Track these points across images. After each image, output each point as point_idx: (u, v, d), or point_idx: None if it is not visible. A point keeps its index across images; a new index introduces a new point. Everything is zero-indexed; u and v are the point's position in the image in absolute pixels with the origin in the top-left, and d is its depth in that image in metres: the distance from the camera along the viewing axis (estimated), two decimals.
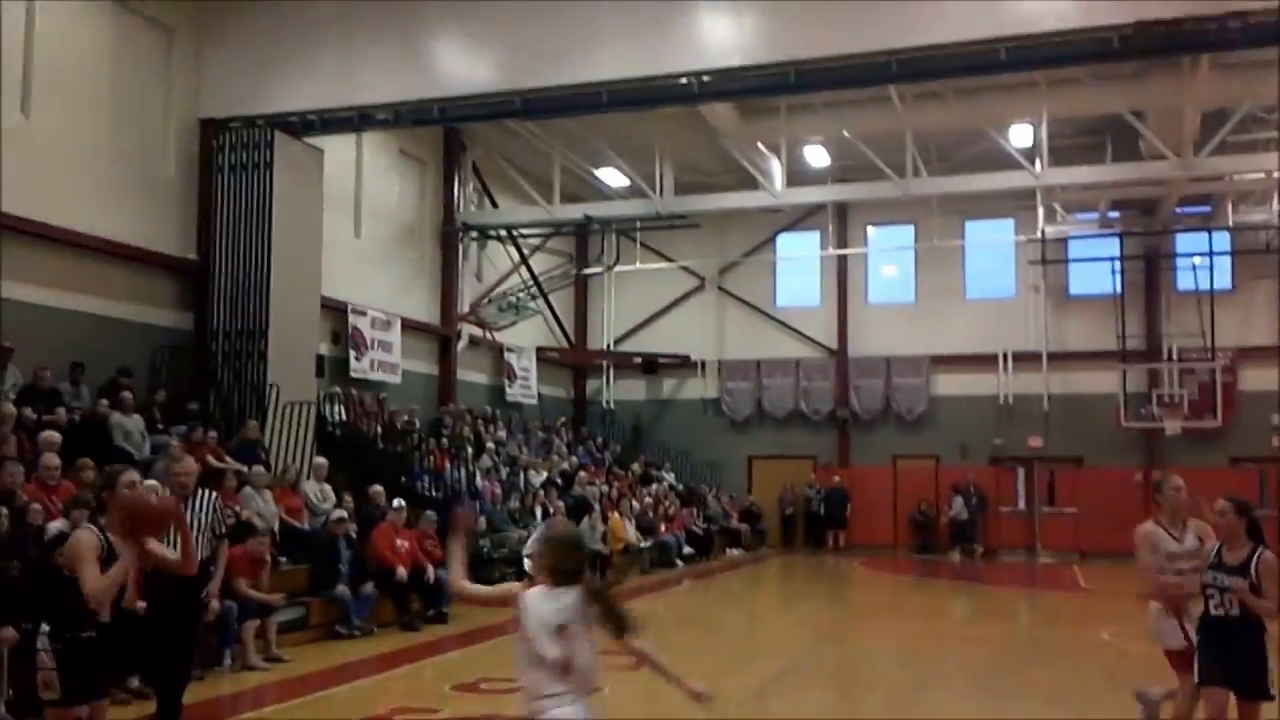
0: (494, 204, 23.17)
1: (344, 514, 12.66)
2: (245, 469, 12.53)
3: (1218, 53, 15.04)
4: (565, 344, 27.10)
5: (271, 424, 14.49)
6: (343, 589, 11.88)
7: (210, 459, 12.06)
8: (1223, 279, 23.70)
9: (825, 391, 26.79)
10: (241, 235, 15.10)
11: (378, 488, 14.14)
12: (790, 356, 27.06)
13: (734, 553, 23.99)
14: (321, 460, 14.37)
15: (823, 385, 26.85)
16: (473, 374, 22.91)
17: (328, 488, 13.89)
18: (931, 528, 25.07)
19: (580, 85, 14.21)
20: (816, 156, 22.08)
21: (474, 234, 22.30)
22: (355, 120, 15.48)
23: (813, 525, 25.95)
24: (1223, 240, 23.07)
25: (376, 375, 19.25)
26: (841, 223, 26.33)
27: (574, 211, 22.11)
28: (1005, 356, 25.26)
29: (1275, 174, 19.68)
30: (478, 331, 22.25)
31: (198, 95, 15.18)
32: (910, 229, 26.12)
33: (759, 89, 15.29)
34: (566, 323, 27.38)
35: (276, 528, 12.14)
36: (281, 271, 15.06)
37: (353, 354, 18.68)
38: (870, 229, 26.93)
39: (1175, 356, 23.40)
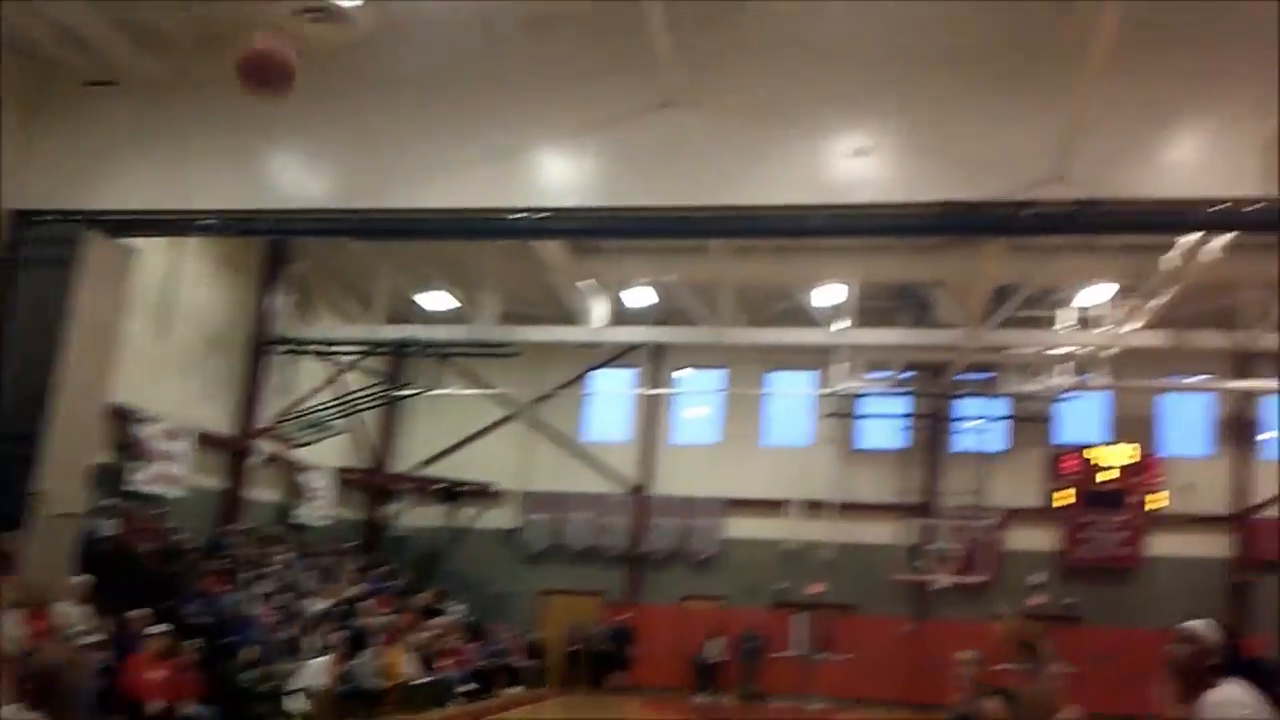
0: (313, 319, 22.46)
1: (94, 638, 11.53)
2: None
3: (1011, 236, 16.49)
4: (368, 465, 26.22)
5: (32, 537, 13.17)
6: None
7: None
8: (998, 442, 25.57)
9: (623, 528, 26.89)
10: (32, 332, 13.98)
11: (140, 612, 13.05)
12: (593, 491, 27.11)
13: (513, 690, 23.25)
14: (82, 579, 13.13)
15: (621, 521, 26.95)
16: (265, 491, 21.78)
17: (87, 609, 12.68)
18: (715, 670, 25.19)
19: (416, 211, 14.13)
20: (639, 297, 22.62)
21: (288, 347, 21.49)
22: (178, 224, 14.81)
23: (596, 664, 25.61)
24: (1001, 406, 24.90)
25: (158, 488, 17.99)
26: (656, 362, 26.97)
27: (394, 331, 21.69)
28: (795, 503, 26.08)
29: (1050, 351, 21.56)
30: (275, 448, 21.26)
31: (15, 184, 14.18)
32: (719, 374, 26.98)
33: (593, 230, 15.66)
34: (372, 444, 26.56)
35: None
36: (69, 374, 13.96)
37: (136, 465, 17.44)
38: (683, 371, 27.61)
39: (950, 513, 24.78)
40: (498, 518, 27.23)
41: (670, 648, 25.51)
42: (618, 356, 26.91)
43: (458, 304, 21.92)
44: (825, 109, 14.58)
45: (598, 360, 26.92)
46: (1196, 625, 4.66)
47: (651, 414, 27.26)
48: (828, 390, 24.51)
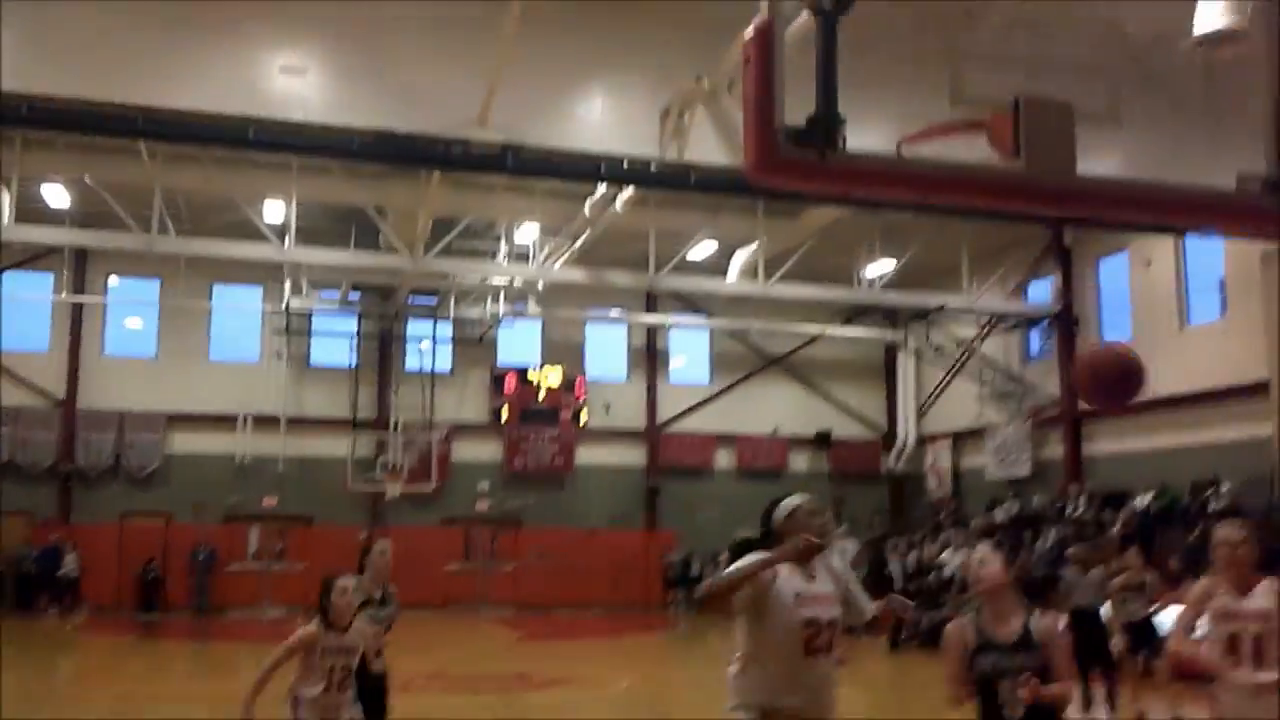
0: None
1: None
2: None
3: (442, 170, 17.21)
4: None
5: None
6: None
7: None
8: (444, 362, 26.79)
9: (48, 443, 24.63)
10: None
11: None
12: (9, 404, 24.41)
13: None
14: None
15: (46, 436, 24.65)
16: None
17: None
18: (157, 587, 24.25)
19: None
20: (55, 196, 20.51)
21: None
22: None
23: (25, 586, 23.54)
24: (446, 329, 26.07)
25: None
26: (80, 268, 24.65)
27: None
28: (245, 419, 25.54)
29: (488, 280, 22.89)
30: None
31: None
32: (156, 284, 25.33)
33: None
34: None
35: None
36: None
37: None
38: (113, 278, 25.59)
39: (400, 427, 25.65)
40: None
41: (112, 566, 24.03)
42: (32, 259, 24.17)
43: None
44: (258, 21, 14.17)
45: (8, 261, 24.04)
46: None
47: (78, 323, 24.98)
48: (276, 308, 24.07)
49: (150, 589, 24.37)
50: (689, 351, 29.24)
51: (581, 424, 27.60)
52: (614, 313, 25.75)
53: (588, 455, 27.84)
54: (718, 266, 23.20)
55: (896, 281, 23.13)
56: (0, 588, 23.61)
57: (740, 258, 21.97)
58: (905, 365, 27.59)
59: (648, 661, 17.92)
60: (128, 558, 24.45)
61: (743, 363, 29.02)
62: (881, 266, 22.66)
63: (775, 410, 28.92)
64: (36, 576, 23.69)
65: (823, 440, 28.95)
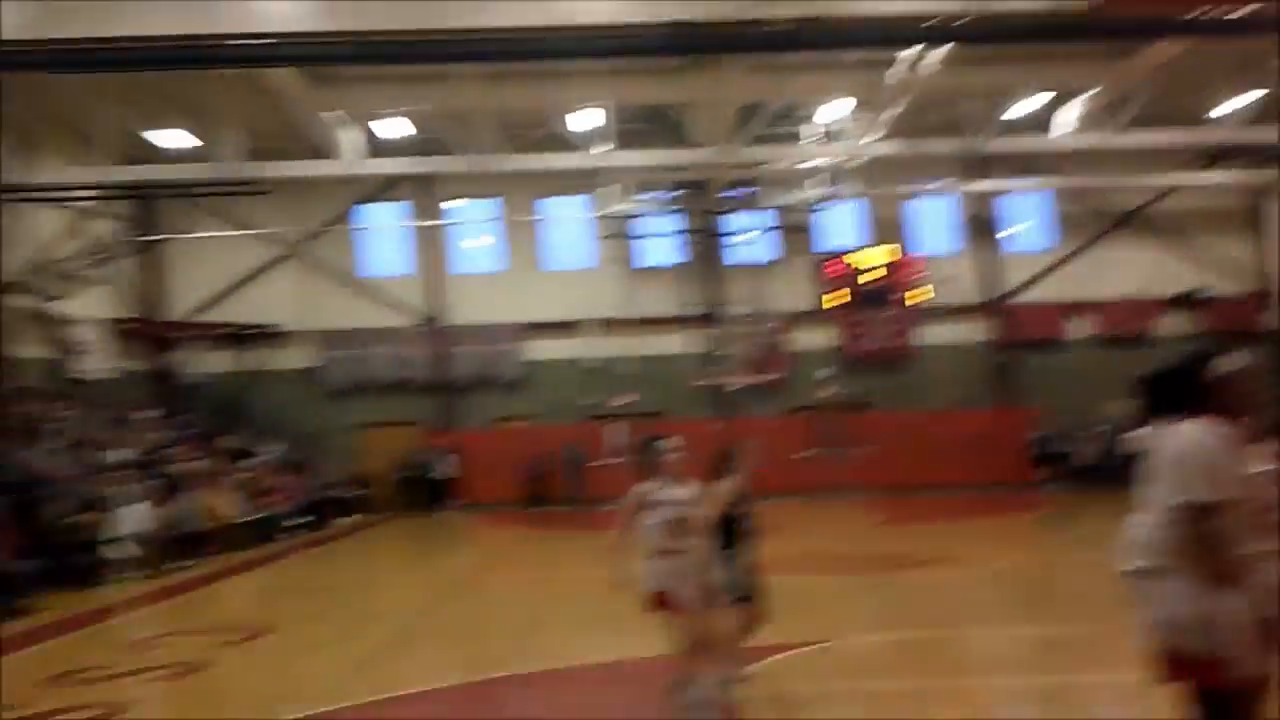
0: (37, 163, 21.11)
1: None
2: None
3: (745, 55, 16.86)
4: (140, 315, 25.48)
5: None
6: None
7: None
8: (771, 252, 26.65)
9: (424, 358, 27.13)
10: None
11: None
12: (387, 325, 27.14)
13: (344, 521, 23.86)
14: None
15: (421, 352, 27.17)
16: (31, 349, 21.00)
17: None
18: (543, 482, 26.06)
19: (124, 40, 13.38)
20: (396, 128, 22.22)
21: (13, 195, 20.18)
22: None
23: (424, 489, 26.31)
24: (769, 218, 25.83)
25: None
26: (426, 194, 26.68)
27: (131, 174, 20.58)
28: (590, 323, 26.78)
29: (801, 165, 22.32)
30: (28, 303, 20.38)
31: None
32: (494, 202, 26.91)
33: (321, 57, 15.20)
34: (140, 292, 25.74)
35: None
36: None
37: None
38: (457, 201, 27.36)
39: (733, 321, 25.93)
40: (292, 358, 27.08)
41: (493, 467, 26.32)
42: (388, 189, 26.52)
43: (197, 142, 20.92)
44: None
45: (362, 195, 26.46)
46: None
47: (432, 246, 27.16)
48: (601, 213, 24.91)
49: (537, 485, 26.03)
50: (1028, 216, 27.18)
51: (917, 302, 26.56)
52: (939, 184, 24.34)
53: (928, 334, 26.84)
54: (1051, 121, 21.33)
55: (1260, 116, 20.16)
56: (401, 491, 26.53)
57: (1075, 109, 20.00)
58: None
59: (1023, 541, 17.15)
60: (504, 459, 26.29)
61: (1089, 223, 26.65)
62: (1240, 102, 19.79)
63: (1130, 271, 26.41)
64: (426, 480, 26.35)
65: (1187, 300, 26.15)
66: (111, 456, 18.30)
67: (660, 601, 6.34)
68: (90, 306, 22.65)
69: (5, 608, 11.90)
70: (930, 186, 24.18)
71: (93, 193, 20.58)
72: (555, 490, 25.83)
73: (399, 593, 14.10)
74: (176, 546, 16.48)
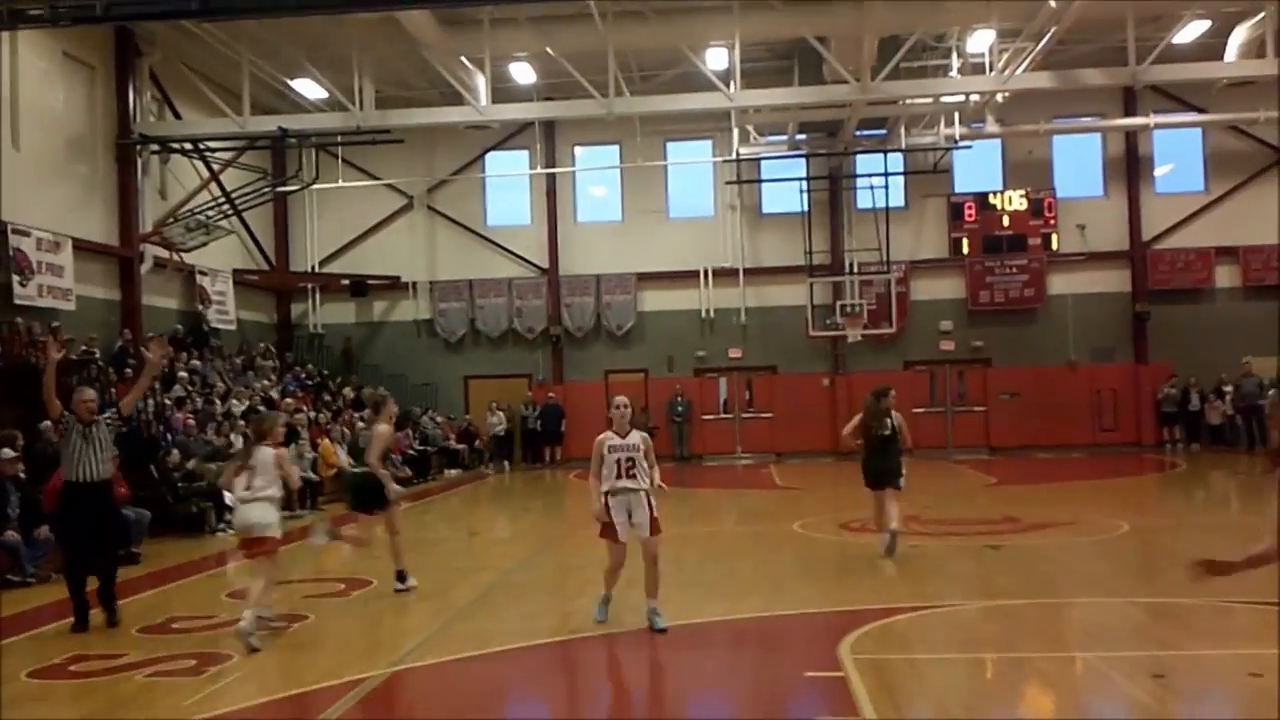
0: (176, 115, 21.37)
1: (11, 453, 11.54)
2: None
3: None
4: (265, 266, 25.75)
5: None
6: (12, 535, 10.89)
7: None
8: (897, 198, 25.72)
9: (538, 310, 27.00)
10: None
11: (49, 423, 12.95)
12: (502, 276, 27.02)
13: (452, 473, 23.95)
14: None
15: (535, 304, 27.04)
16: (161, 299, 21.33)
17: None
18: (653, 437, 25.85)
19: None
20: (522, 73, 21.91)
21: (155, 147, 20.48)
22: (4, 17, 13.76)
23: (530, 442, 26.28)
24: (896, 162, 24.90)
25: (46, 301, 17.46)
26: (549, 142, 26.38)
27: (267, 124, 20.66)
28: (706, 273, 26.35)
29: (941, 99, 21.37)
30: (163, 253, 20.65)
31: None
32: (616, 149, 26.49)
33: None
34: (266, 243, 26.01)
35: None
36: None
37: (16, 279, 16.88)
38: (577, 149, 27.13)
39: (856, 270, 25.17)
40: (410, 309, 27.19)
41: (601, 421, 25.91)
42: (508, 138, 26.27)
43: (330, 92, 20.88)
44: None
45: (489, 143, 26.22)
46: None
47: (551, 195, 26.85)
48: (725, 158, 24.27)
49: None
50: (1178, 156, 25.69)
51: (1053, 249, 25.46)
52: (1085, 120, 23.09)
53: (1062, 284, 25.75)
54: (1211, 51, 20.00)
55: None
56: (511, 444, 26.43)
57: (1239, 35, 18.70)
58: None
59: (1147, 505, 16.16)
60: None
61: (1246, 162, 25.14)
62: None
63: None
64: (540, 433, 26.22)
65: None
66: (233, 407, 18.44)
67: (604, 531, 7.94)
68: (220, 257, 22.91)
69: (124, 553, 11.95)
70: (1076, 124, 22.96)
71: (228, 144, 20.64)
72: (662, 444, 25.49)
73: (499, 546, 14.02)
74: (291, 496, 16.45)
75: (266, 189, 21.39)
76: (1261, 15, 18.07)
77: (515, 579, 10.72)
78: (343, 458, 19.13)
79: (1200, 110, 23.86)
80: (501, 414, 26.10)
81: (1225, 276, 25.34)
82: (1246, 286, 25.12)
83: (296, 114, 21.94)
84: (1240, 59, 19.29)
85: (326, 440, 19.16)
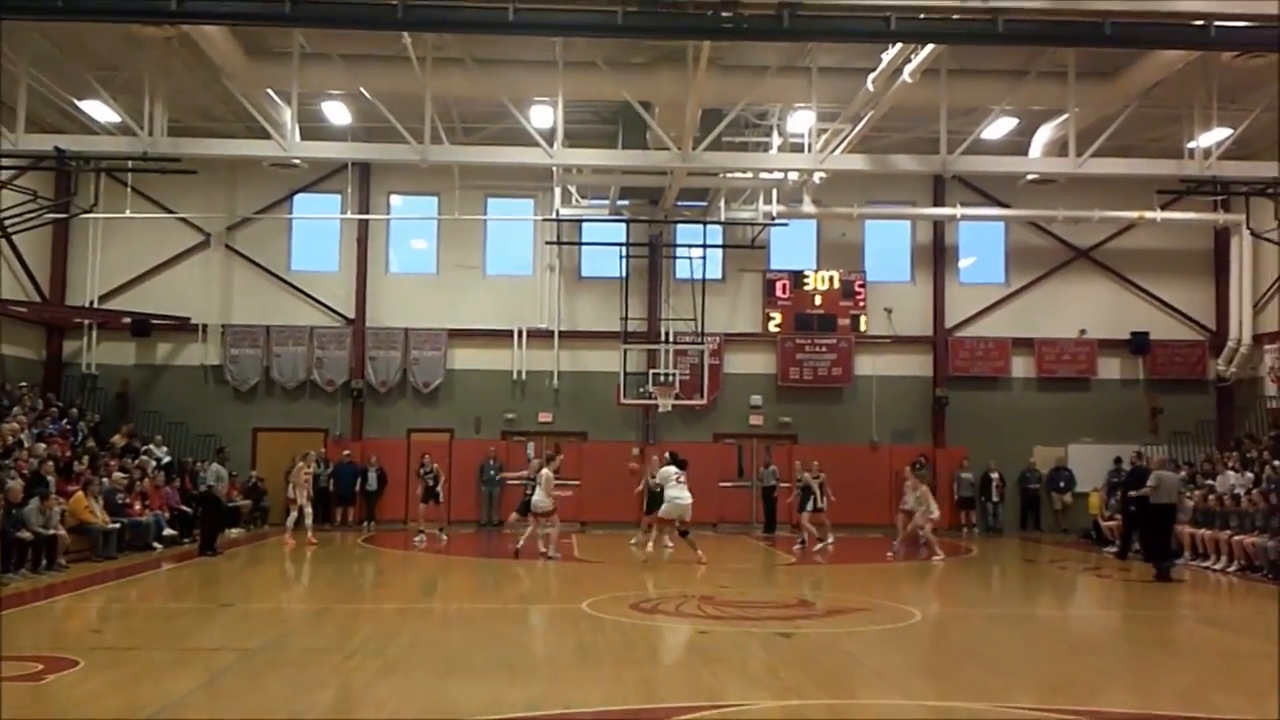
0: None
1: None
2: None
3: (716, 48, 15.87)
4: (36, 297, 23.52)
5: None
6: None
7: None
8: (714, 270, 25.75)
9: (340, 361, 25.66)
10: None
11: None
12: (304, 324, 25.58)
13: (233, 532, 22.03)
14: None
15: (338, 355, 25.70)
16: None
17: None
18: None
19: None
20: (337, 113, 20.89)
21: None
22: None
23: (323, 501, 24.66)
24: (716, 234, 24.96)
25: None
26: (363, 187, 25.27)
27: (49, 144, 18.82)
28: (520, 333, 25.65)
29: (761, 174, 21.50)
30: None
31: None
32: (434, 201, 25.61)
33: (251, 15, 13.73)
34: (40, 273, 23.81)
35: None
36: None
37: None
38: (394, 197, 26.18)
39: (671, 339, 24.94)
40: (199, 353, 25.37)
41: (400, 480, 24.84)
42: (320, 180, 24.95)
43: (121, 116, 19.19)
44: None
45: (298, 184, 24.90)
46: None
47: (363, 243, 25.68)
48: (546, 217, 23.76)
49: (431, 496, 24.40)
50: (981, 247, 26.73)
51: (861, 330, 25.92)
52: (897, 208, 23.69)
53: (868, 365, 26.19)
54: (1016, 147, 20.81)
55: (1233, 153, 19.90)
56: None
57: (1045, 133, 19.50)
58: (1240, 252, 24.06)
59: (940, 590, 16.07)
60: (412, 473, 24.89)
61: (1044, 257, 26.32)
62: (1214, 137, 19.48)
63: (1081, 310, 26.17)
64: (332, 492, 24.63)
65: (1138, 344, 25.90)
66: None
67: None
68: None
69: None
70: (887, 208, 23.50)
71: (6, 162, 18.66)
72: (465, 508, 24.59)
73: (239, 623, 11.79)
74: (17, 551, 14.64)
75: (34, 214, 19.37)
76: (1065, 116, 18.83)
77: (258, 657, 9.47)
78: (98, 512, 17.34)
79: (1004, 205, 24.87)
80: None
81: (1021, 367, 26.32)
82: (1040, 378, 26.16)
83: (80, 135, 20.08)
84: (1044, 156, 20.08)
85: (81, 492, 17.25)
